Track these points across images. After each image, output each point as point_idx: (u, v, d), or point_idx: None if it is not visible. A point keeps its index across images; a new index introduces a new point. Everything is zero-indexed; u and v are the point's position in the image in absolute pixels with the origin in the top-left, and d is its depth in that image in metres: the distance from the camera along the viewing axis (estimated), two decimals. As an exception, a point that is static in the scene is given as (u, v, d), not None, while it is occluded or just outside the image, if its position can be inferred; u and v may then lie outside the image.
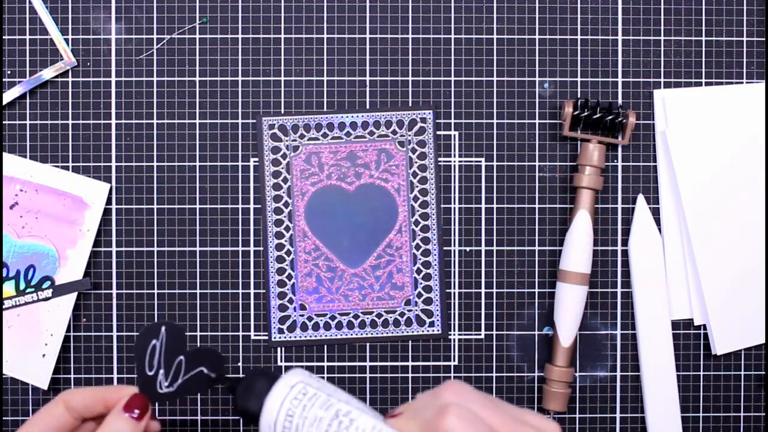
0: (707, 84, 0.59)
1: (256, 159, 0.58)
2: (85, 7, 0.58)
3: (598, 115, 0.56)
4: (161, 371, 0.47)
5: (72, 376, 0.58)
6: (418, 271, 0.58)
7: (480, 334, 0.58)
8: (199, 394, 0.58)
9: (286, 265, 0.58)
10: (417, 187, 0.58)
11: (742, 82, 0.59)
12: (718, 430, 0.59)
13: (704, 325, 0.58)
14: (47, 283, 0.57)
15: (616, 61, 0.58)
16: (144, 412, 0.45)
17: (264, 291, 0.58)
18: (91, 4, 0.58)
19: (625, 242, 0.58)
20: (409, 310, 0.58)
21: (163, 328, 0.46)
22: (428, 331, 0.58)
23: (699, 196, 0.57)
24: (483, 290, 0.58)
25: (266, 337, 0.58)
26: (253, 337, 0.58)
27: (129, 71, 0.58)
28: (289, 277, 0.58)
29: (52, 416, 0.46)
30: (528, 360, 0.59)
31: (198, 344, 0.58)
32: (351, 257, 0.58)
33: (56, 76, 0.57)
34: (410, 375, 0.58)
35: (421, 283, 0.58)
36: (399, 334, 0.58)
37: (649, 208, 0.58)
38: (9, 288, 0.57)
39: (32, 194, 0.57)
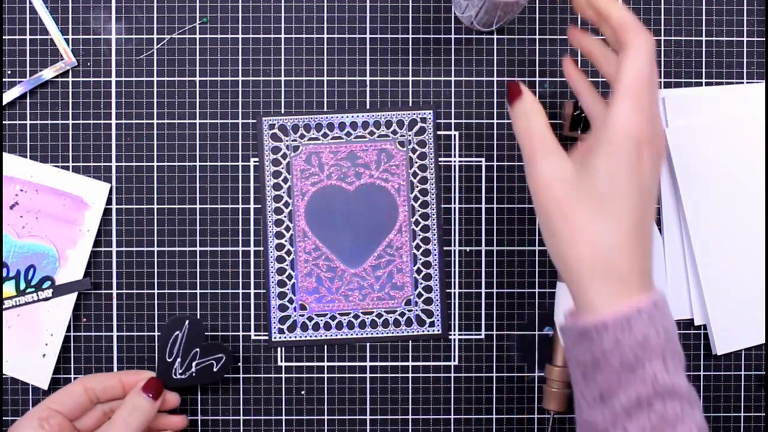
0: (707, 84, 0.59)
1: (256, 159, 0.58)
2: (85, 7, 0.58)
3: (598, 115, 0.56)
4: (178, 360, 0.53)
5: (72, 376, 0.58)
6: (419, 271, 0.58)
7: (480, 334, 0.58)
8: (199, 393, 0.58)
9: (287, 265, 0.58)
10: (417, 187, 0.58)
11: (742, 82, 0.59)
12: (718, 430, 0.59)
13: (704, 325, 0.58)
14: (47, 283, 0.57)
15: (616, 61, 0.58)
16: (159, 394, 0.52)
17: (264, 291, 0.58)
18: (91, 4, 0.58)
19: (625, 242, 0.58)
20: (410, 310, 0.58)
21: (187, 321, 0.54)
22: (428, 331, 0.58)
23: (699, 196, 0.57)
24: (483, 290, 0.58)
25: (266, 337, 0.58)
26: (253, 337, 0.58)
27: (129, 71, 0.58)
28: (290, 277, 0.58)
29: (70, 395, 0.51)
30: (528, 360, 0.59)
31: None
32: (351, 257, 0.58)
33: (56, 76, 0.57)
34: (410, 375, 0.58)
35: (421, 283, 0.58)
36: (399, 334, 0.58)
37: (649, 208, 0.58)
38: (9, 288, 0.57)
39: (32, 194, 0.57)
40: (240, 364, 0.58)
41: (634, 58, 0.43)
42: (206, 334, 0.57)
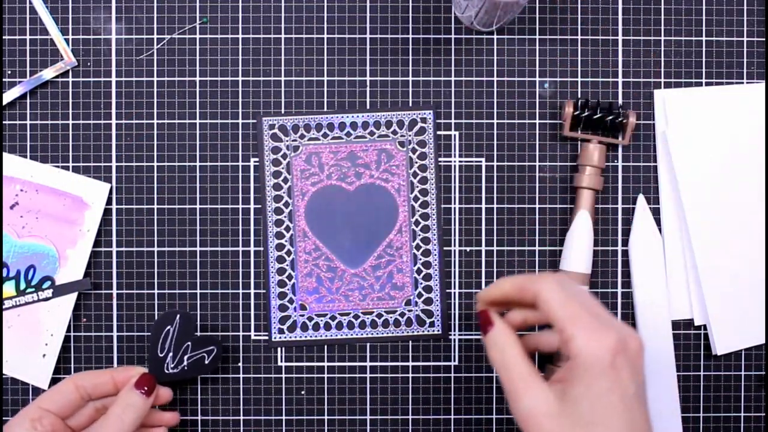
0: (707, 84, 0.59)
1: (257, 159, 0.58)
2: (86, 7, 0.58)
3: (598, 116, 0.56)
4: (170, 354, 0.54)
5: (72, 376, 0.58)
6: (419, 271, 0.58)
7: (480, 335, 0.58)
8: (199, 393, 0.58)
9: (287, 265, 0.58)
10: (417, 187, 0.58)
11: (742, 82, 0.59)
12: (718, 430, 0.59)
13: (704, 325, 0.58)
14: (47, 283, 0.57)
15: (616, 61, 0.58)
16: (152, 390, 0.52)
17: (264, 291, 0.58)
18: (92, 4, 0.58)
19: (625, 242, 0.58)
20: (410, 311, 0.58)
21: (177, 316, 0.54)
22: (428, 331, 0.58)
23: (699, 196, 0.57)
24: (483, 290, 0.58)
25: (266, 337, 0.58)
26: (253, 337, 0.58)
27: (129, 71, 0.58)
28: (290, 277, 0.58)
29: (61, 394, 0.51)
30: (528, 360, 0.59)
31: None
32: (351, 257, 0.58)
33: (56, 76, 0.57)
34: (410, 375, 0.58)
35: (421, 284, 0.58)
36: (399, 334, 0.58)
37: (650, 208, 0.58)
38: (9, 288, 0.57)
39: (32, 194, 0.57)
40: (240, 364, 0.58)
41: (548, 296, 0.44)
42: (205, 332, 0.57)
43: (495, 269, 0.58)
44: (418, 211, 0.58)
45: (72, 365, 0.58)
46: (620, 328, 0.43)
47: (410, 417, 0.58)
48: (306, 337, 0.58)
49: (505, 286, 0.47)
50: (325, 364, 0.58)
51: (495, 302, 0.48)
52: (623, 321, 0.59)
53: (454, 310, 0.58)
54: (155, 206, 0.58)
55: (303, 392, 0.58)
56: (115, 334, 0.58)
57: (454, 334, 0.58)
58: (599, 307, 0.45)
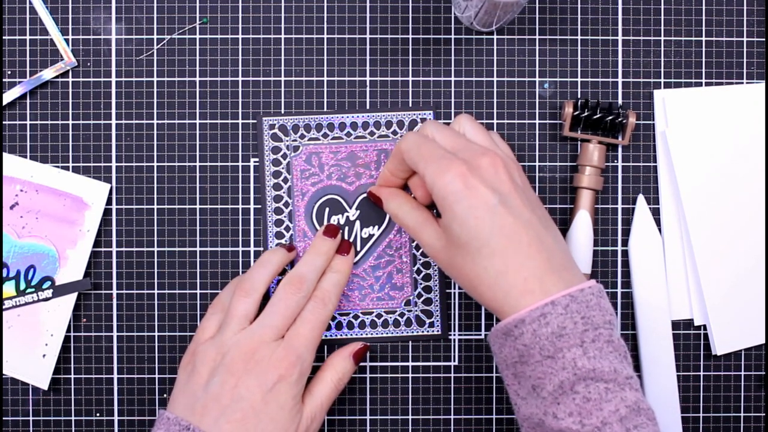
0: (707, 84, 0.59)
1: (257, 159, 0.58)
2: (86, 7, 0.58)
3: (598, 116, 0.56)
4: None
5: (72, 376, 0.58)
6: (418, 272, 0.58)
7: (480, 334, 0.58)
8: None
9: (287, 265, 0.58)
10: (417, 187, 0.58)
11: (742, 82, 0.59)
12: (718, 430, 0.59)
13: (704, 326, 0.58)
14: (47, 284, 0.57)
15: (616, 61, 0.58)
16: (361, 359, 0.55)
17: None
18: (91, 4, 0.58)
19: (625, 242, 0.58)
20: (409, 311, 0.58)
21: None
22: (428, 331, 0.58)
23: (699, 196, 0.57)
24: (483, 290, 0.58)
25: (266, 337, 0.58)
26: (253, 337, 0.58)
27: (129, 71, 0.58)
28: (290, 277, 0.58)
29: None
30: (528, 360, 0.59)
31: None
32: (351, 257, 0.58)
33: (56, 77, 0.57)
34: (410, 375, 0.58)
35: (420, 284, 0.58)
36: (399, 334, 0.58)
37: (649, 208, 0.58)
38: (9, 288, 0.57)
39: (32, 194, 0.57)
40: (240, 364, 0.58)
41: (404, 147, 0.50)
42: None
43: (495, 269, 0.58)
44: (418, 211, 0.58)
45: (72, 365, 0.58)
46: (471, 154, 0.47)
47: (410, 417, 0.58)
48: (306, 337, 0.58)
49: (386, 167, 0.53)
50: (325, 364, 0.58)
51: (391, 183, 0.54)
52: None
53: (454, 310, 0.58)
54: (155, 206, 0.58)
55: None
56: (115, 334, 0.58)
57: (454, 334, 0.58)
58: (458, 141, 0.49)
